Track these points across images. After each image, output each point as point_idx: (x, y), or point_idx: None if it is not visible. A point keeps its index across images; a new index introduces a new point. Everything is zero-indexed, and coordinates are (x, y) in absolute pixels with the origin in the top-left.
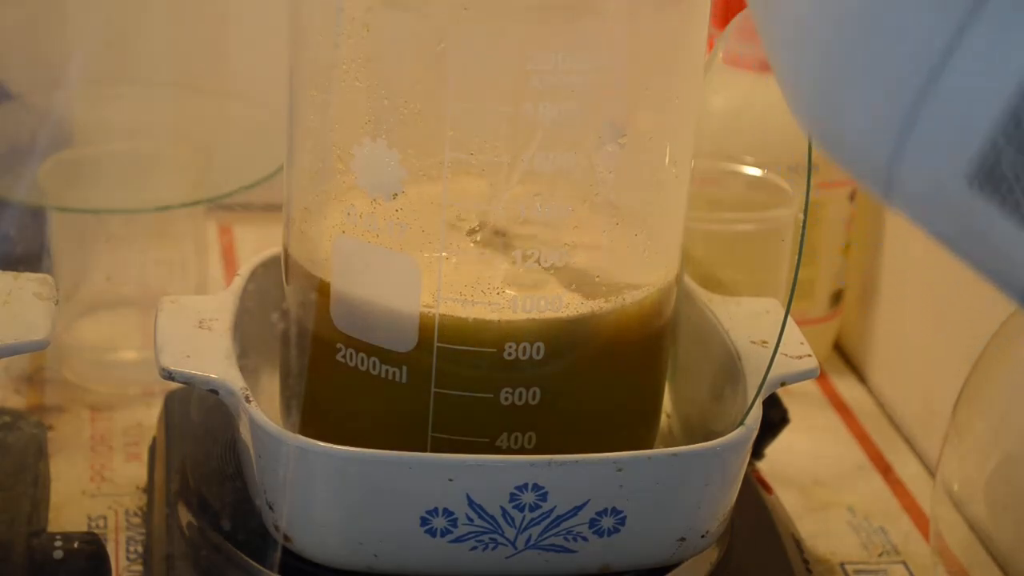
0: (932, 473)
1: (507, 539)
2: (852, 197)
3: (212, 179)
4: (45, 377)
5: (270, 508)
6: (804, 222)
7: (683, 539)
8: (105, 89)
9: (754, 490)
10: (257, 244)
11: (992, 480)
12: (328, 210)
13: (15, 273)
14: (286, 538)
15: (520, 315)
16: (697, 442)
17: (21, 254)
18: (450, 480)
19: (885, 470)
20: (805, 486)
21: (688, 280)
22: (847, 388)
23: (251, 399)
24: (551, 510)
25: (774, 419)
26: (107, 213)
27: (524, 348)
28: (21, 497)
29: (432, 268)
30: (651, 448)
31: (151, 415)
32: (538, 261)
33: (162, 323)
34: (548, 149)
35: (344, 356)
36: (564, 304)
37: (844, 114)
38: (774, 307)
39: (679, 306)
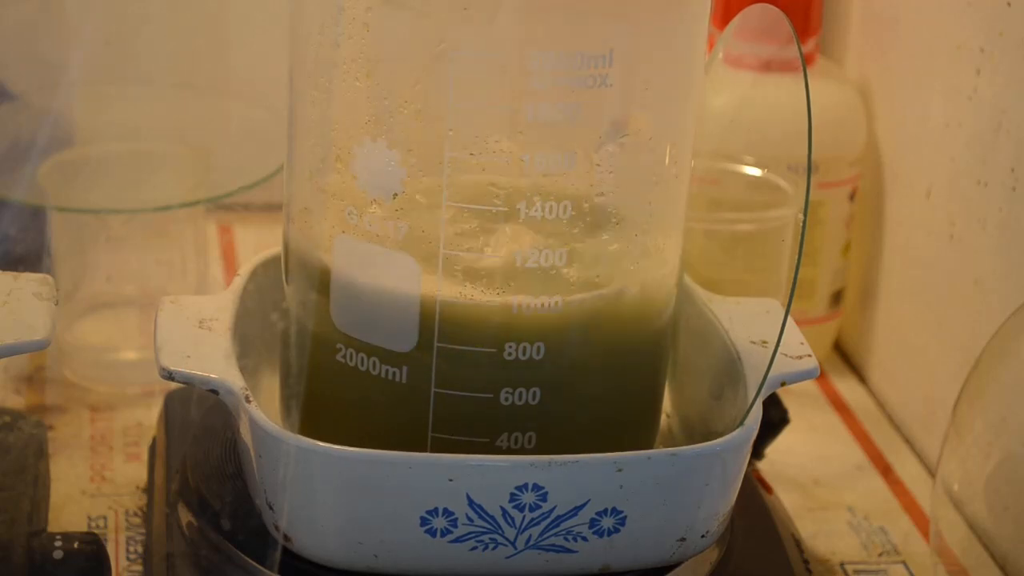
0: (932, 473)
1: (507, 539)
2: (852, 197)
3: (212, 179)
4: (45, 377)
5: (270, 508)
6: (804, 222)
7: (683, 539)
8: (105, 89)
9: (754, 490)
10: (257, 244)
11: (992, 480)
12: (328, 210)
13: (15, 273)
14: (286, 538)
15: (520, 315)
16: (697, 442)
17: (21, 254)
18: (450, 480)
19: (885, 470)
20: (805, 486)
21: (688, 280)
22: (847, 388)
23: (251, 399)
24: (551, 510)
25: (774, 419)
26: (107, 213)
27: (524, 348)
28: (21, 497)
29: (432, 268)
30: (651, 448)
31: (151, 415)
32: (538, 261)
33: (162, 323)
34: (548, 149)
35: (344, 356)
36: (564, 304)
37: None
38: (774, 307)
39: (679, 306)
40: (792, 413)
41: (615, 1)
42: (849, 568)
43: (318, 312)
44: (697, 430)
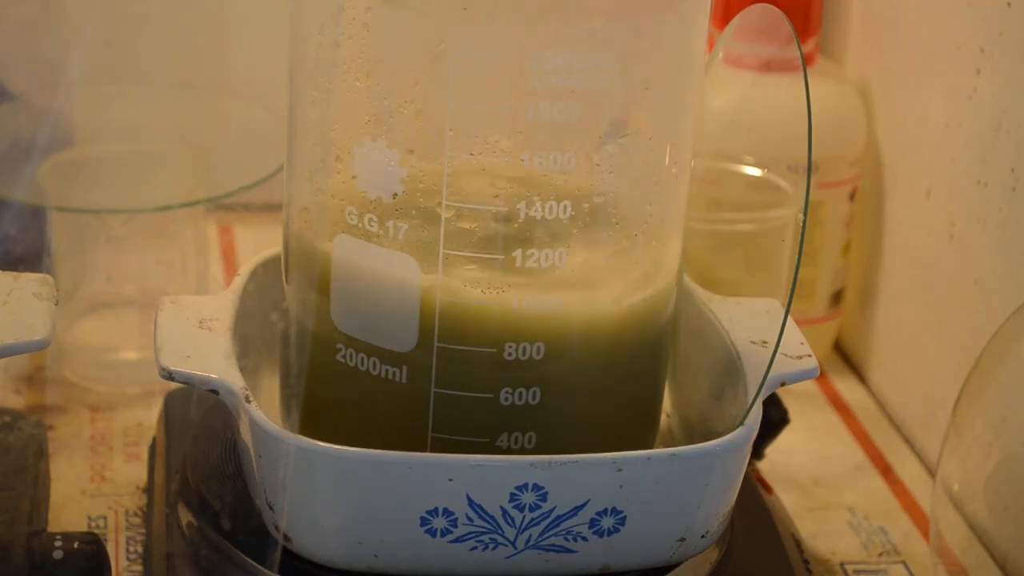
0: (932, 473)
1: (507, 539)
2: (852, 197)
3: (212, 179)
4: (45, 377)
5: (270, 508)
6: (804, 222)
7: (683, 539)
8: (105, 89)
9: (754, 490)
10: (257, 244)
11: (992, 480)
12: (328, 210)
13: (15, 273)
14: (286, 538)
15: (520, 315)
16: (697, 442)
17: (21, 254)
18: (450, 480)
19: (885, 470)
20: (805, 486)
21: (688, 280)
22: (847, 388)
23: (251, 399)
24: (551, 510)
25: (774, 419)
26: (107, 213)
27: (524, 348)
28: (21, 497)
29: (432, 268)
30: (651, 448)
31: (151, 415)
32: (538, 261)
33: (162, 323)
34: (548, 149)
35: (344, 356)
36: (564, 304)
37: None
38: (774, 307)
39: (679, 306)
40: (792, 413)
41: (615, 1)
42: (849, 568)
43: (318, 312)
44: (697, 430)
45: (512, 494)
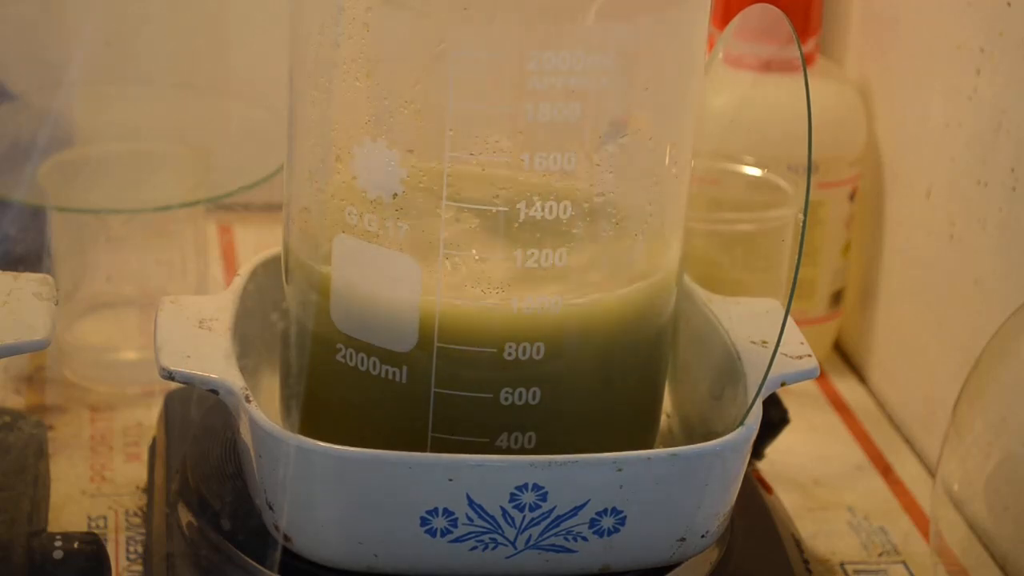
0: (932, 473)
1: (507, 539)
2: (852, 197)
3: (212, 179)
4: (45, 377)
5: (270, 508)
6: (804, 222)
7: (683, 539)
8: (105, 89)
9: (754, 490)
10: (257, 244)
11: (992, 480)
12: (328, 210)
13: (15, 273)
14: (286, 538)
15: (520, 315)
16: (697, 442)
17: (21, 254)
18: (450, 480)
19: (885, 470)
20: (805, 486)
21: (688, 280)
22: (847, 388)
23: (251, 399)
24: (551, 510)
25: (774, 419)
26: (107, 213)
27: (524, 348)
28: (21, 497)
29: (432, 268)
30: (651, 448)
31: (151, 415)
32: (538, 261)
33: (162, 323)
34: (548, 149)
35: (344, 356)
36: (564, 304)
37: None
38: (774, 307)
39: (679, 306)
40: (792, 413)
41: (615, 1)
42: (849, 568)
43: (318, 312)
44: (697, 430)
45: (512, 494)
